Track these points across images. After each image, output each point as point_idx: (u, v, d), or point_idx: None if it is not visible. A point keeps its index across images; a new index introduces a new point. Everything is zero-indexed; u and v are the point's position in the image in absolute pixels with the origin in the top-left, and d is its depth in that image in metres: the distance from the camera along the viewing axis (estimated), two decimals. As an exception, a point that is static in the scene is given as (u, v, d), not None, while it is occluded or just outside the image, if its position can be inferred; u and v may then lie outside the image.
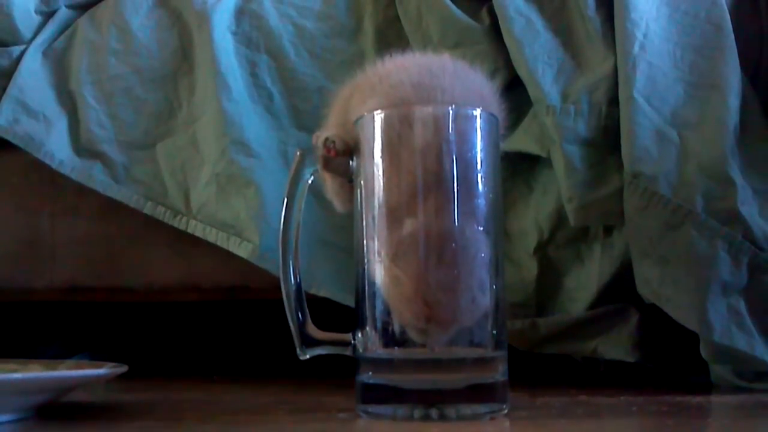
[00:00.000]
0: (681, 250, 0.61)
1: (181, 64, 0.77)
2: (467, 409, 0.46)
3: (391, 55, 0.54)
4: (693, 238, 0.61)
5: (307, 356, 0.51)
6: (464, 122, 0.47)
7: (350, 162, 0.50)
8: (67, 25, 0.82)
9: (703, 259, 0.61)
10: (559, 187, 0.66)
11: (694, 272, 0.61)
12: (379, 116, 0.47)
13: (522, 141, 0.69)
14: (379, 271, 0.47)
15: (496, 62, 0.70)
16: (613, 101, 0.66)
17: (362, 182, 0.48)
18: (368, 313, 0.48)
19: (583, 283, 0.67)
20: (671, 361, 0.67)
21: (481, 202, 0.47)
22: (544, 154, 0.68)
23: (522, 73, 0.69)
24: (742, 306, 0.61)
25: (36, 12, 0.82)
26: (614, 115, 0.66)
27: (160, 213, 0.73)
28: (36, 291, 0.78)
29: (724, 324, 0.60)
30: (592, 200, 0.65)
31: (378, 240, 0.47)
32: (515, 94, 0.68)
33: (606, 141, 0.66)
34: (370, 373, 0.48)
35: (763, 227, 0.62)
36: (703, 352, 0.61)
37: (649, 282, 0.62)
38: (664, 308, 0.62)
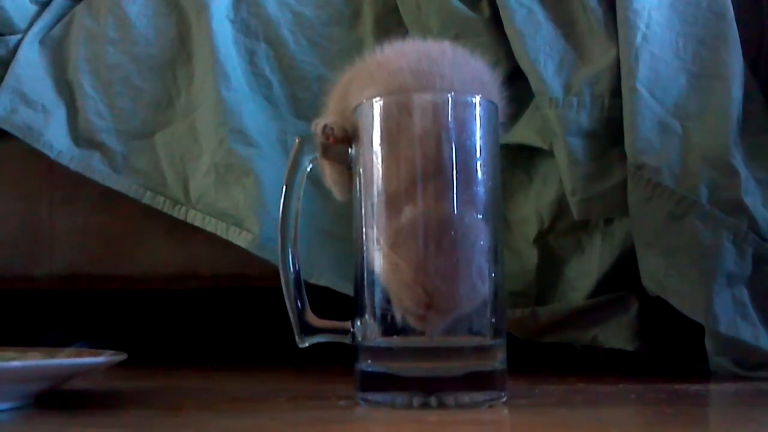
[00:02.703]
0: (686, 240, 0.61)
1: (180, 53, 0.77)
2: (466, 397, 0.46)
3: (390, 43, 0.54)
4: (698, 229, 0.61)
5: (306, 344, 0.51)
6: (463, 109, 0.47)
7: (349, 150, 0.50)
8: (63, 14, 0.82)
9: (708, 250, 0.60)
10: (560, 177, 0.66)
11: (699, 263, 0.61)
12: (377, 104, 0.47)
13: (523, 133, 0.69)
14: (378, 259, 0.47)
15: (497, 54, 0.70)
16: (616, 92, 0.65)
17: (361, 170, 0.48)
18: (367, 301, 0.47)
19: (584, 271, 0.67)
20: (670, 349, 0.67)
21: (480, 189, 0.47)
22: (546, 147, 0.67)
23: (523, 64, 0.68)
24: (746, 297, 0.62)
25: (31, 1, 0.82)
26: (617, 106, 0.65)
27: (159, 203, 0.73)
28: (34, 279, 0.78)
29: (729, 315, 0.60)
30: (595, 193, 0.65)
31: (377, 228, 0.47)
32: (516, 86, 0.67)
33: (609, 133, 0.66)
34: (369, 361, 0.48)
35: (766, 217, 0.62)
36: (708, 344, 0.61)
37: (654, 274, 0.62)
38: (669, 300, 0.62)
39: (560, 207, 0.67)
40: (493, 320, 0.47)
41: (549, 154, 0.68)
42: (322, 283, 0.68)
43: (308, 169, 0.51)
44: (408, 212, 0.46)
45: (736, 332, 0.60)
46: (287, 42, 0.76)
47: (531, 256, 0.68)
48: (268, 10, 0.76)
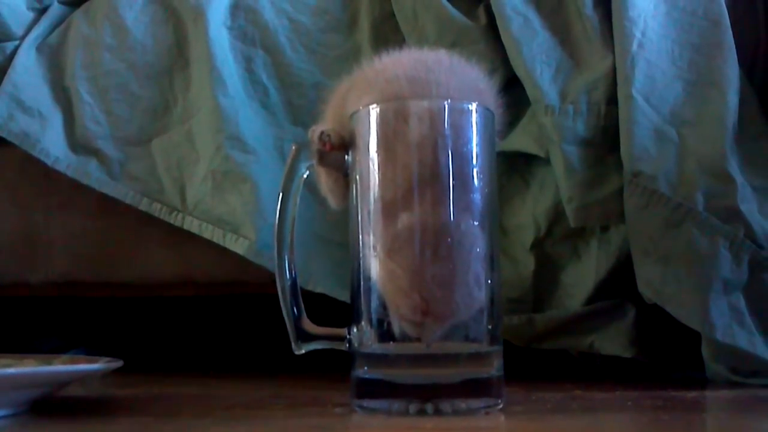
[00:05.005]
0: (682, 248, 0.61)
1: (177, 60, 0.77)
2: (462, 404, 0.46)
3: (388, 51, 0.54)
4: (694, 236, 0.61)
5: (303, 351, 0.51)
6: (459, 116, 0.47)
7: (345, 156, 0.50)
8: (60, 21, 0.82)
9: (704, 257, 0.61)
10: (557, 185, 0.66)
11: (696, 270, 0.61)
12: (374, 111, 0.47)
13: (520, 141, 0.69)
14: (374, 266, 0.47)
15: (494, 62, 0.70)
16: (612, 100, 0.66)
17: (358, 177, 0.48)
18: (364, 308, 0.47)
19: (580, 278, 0.67)
20: (667, 356, 0.67)
21: (477, 196, 0.47)
22: (542, 155, 0.67)
23: (520, 72, 0.68)
24: (742, 304, 0.62)
25: (28, 8, 0.82)
26: (613, 114, 0.65)
27: (156, 209, 0.73)
28: (31, 286, 0.78)
29: (725, 322, 0.60)
30: (592, 200, 0.65)
31: (373, 234, 0.47)
32: (513, 94, 0.67)
33: (605, 141, 0.66)
34: (366, 368, 0.48)
35: (762, 225, 0.62)
36: (705, 352, 0.61)
37: (651, 282, 0.62)
38: (666, 308, 0.62)
39: (557, 214, 0.67)
40: (490, 327, 0.47)
41: (546, 160, 0.68)
42: (318, 289, 0.68)
43: (305, 176, 0.51)
44: (404, 219, 0.46)
45: (733, 339, 0.60)
46: (284, 49, 0.76)
47: (528, 263, 0.68)
48: (265, 17, 0.77)
